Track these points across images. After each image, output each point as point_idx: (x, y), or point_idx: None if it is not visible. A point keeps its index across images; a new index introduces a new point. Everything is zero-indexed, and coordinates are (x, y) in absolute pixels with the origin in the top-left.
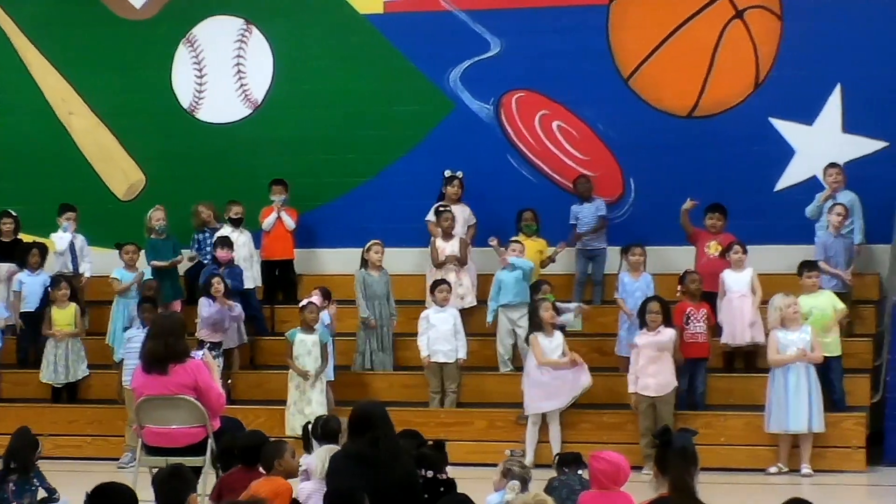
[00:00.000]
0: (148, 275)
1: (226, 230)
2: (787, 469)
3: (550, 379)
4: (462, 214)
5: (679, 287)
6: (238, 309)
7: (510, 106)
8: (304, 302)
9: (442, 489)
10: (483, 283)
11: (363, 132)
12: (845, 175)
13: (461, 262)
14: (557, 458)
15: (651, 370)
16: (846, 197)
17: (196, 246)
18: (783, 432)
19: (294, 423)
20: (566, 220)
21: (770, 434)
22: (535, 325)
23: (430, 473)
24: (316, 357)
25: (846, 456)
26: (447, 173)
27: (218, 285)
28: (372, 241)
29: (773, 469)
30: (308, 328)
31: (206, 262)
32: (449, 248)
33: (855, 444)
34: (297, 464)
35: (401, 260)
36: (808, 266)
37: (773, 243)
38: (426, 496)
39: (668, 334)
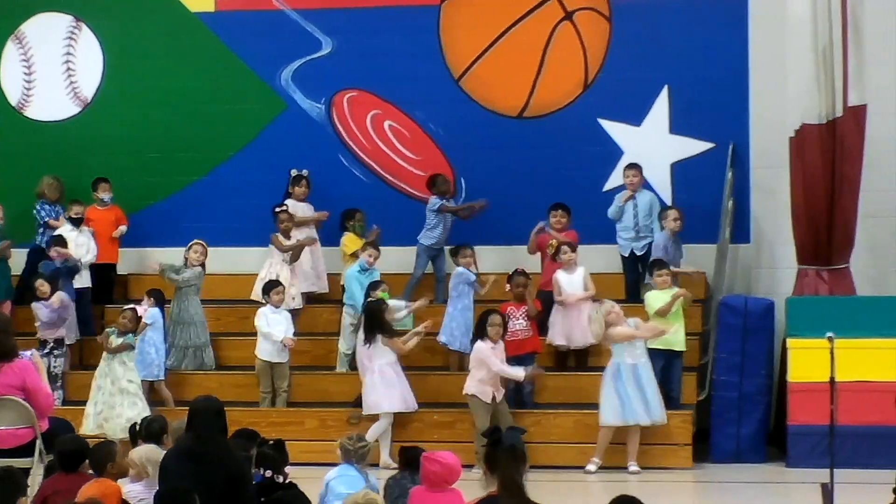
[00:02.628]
0: None
1: (65, 229)
2: (602, 464)
3: (397, 380)
4: (305, 213)
5: (507, 287)
6: (66, 300)
7: (342, 105)
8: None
9: (280, 491)
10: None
11: (194, 131)
12: (643, 176)
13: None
14: (402, 451)
15: (495, 378)
16: (645, 197)
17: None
18: (624, 424)
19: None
20: (396, 219)
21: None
22: (381, 325)
23: (268, 473)
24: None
25: (673, 453)
26: (293, 172)
27: (42, 287)
28: (194, 241)
29: (590, 466)
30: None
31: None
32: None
33: (681, 441)
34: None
35: (228, 258)
36: (657, 265)
37: (602, 243)
38: (264, 497)
39: (501, 350)
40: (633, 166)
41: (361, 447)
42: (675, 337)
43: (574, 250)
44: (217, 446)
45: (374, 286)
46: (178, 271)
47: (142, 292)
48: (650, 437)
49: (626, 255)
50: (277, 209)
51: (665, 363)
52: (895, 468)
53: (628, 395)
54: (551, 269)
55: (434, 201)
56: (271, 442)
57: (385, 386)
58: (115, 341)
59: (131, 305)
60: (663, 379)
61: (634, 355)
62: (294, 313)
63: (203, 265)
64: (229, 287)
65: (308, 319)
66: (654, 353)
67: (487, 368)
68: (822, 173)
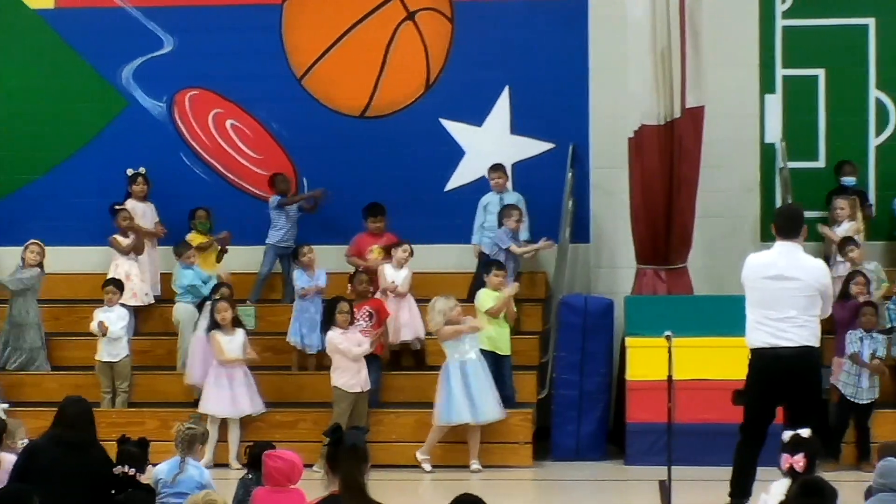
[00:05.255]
0: None
1: None
2: (430, 459)
3: (228, 383)
4: (150, 212)
5: (349, 287)
6: None
7: (184, 104)
8: None
9: (131, 490)
10: (166, 280)
11: (33, 129)
12: (508, 176)
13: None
14: (248, 451)
15: (356, 367)
16: (511, 198)
17: None
18: (448, 423)
19: None
20: (239, 218)
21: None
22: (214, 322)
23: (132, 471)
24: None
25: (513, 451)
26: (129, 172)
27: None
28: (30, 241)
29: (425, 465)
30: None
31: None
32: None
33: (522, 439)
34: None
35: (68, 258)
36: (495, 265)
37: (443, 242)
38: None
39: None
40: (498, 167)
41: (186, 430)
42: (501, 339)
43: (412, 252)
44: (89, 436)
45: (215, 289)
46: (13, 273)
47: None
48: (491, 436)
49: (488, 252)
50: (117, 206)
51: (494, 364)
52: (730, 465)
53: (453, 394)
54: (374, 271)
55: (274, 199)
56: (135, 440)
57: (216, 387)
58: None
59: None
60: (496, 379)
61: (462, 352)
62: (140, 310)
63: (41, 265)
64: (69, 287)
65: (150, 320)
66: (484, 354)
67: (343, 356)
68: (661, 174)
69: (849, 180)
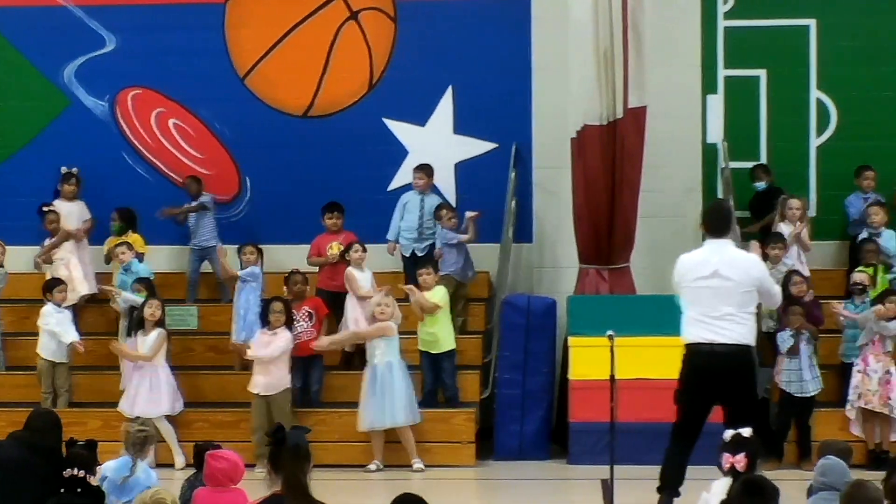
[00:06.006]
0: None
1: None
2: (384, 465)
3: (136, 384)
4: (77, 211)
5: (285, 288)
6: None
7: (126, 103)
8: None
9: (80, 489)
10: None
11: None
12: (431, 178)
13: (45, 260)
14: (195, 450)
15: (259, 368)
16: (432, 200)
17: None
18: (379, 429)
19: None
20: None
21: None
22: (139, 322)
23: (81, 473)
24: None
25: (456, 450)
26: (63, 170)
27: None
28: None
29: (371, 466)
30: None
31: None
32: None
33: (465, 438)
34: None
35: (13, 258)
36: (422, 264)
37: (387, 242)
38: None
39: (285, 338)
40: (422, 167)
41: (137, 433)
42: (433, 338)
43: (364, 249)
44: (54, 442)
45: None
46: None
47: None
48: (434, 435)
49: (408, 255)
50: (45, 208)
51: (432, 363)
52: None
53: (366, 399)
54: (333, 271)
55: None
56: (82, 442)
57: (127, 386)
58: None
59: None
60: (435, 379)
61: (372, 355)
62: (82, 309)
63: (2, 265)
64: (9, 287)
65: (89, 319)
66: (421, 355)
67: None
68: (603, 174)
69: (760, 185)
